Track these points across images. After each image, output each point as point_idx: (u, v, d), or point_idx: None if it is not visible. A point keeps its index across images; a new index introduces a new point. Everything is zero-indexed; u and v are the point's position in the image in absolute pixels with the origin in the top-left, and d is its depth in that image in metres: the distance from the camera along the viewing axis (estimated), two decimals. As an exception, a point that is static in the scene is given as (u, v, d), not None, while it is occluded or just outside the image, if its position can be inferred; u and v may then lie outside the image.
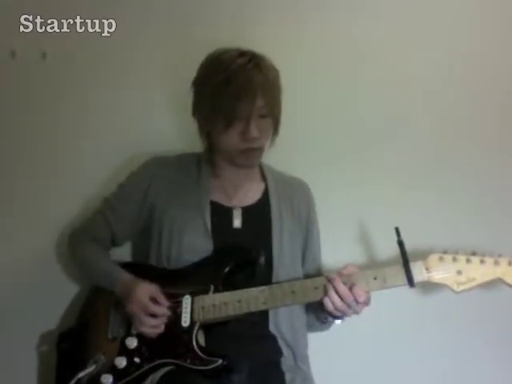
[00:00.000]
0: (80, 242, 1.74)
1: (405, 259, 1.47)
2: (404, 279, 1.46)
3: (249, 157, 1.60)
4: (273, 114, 1.58)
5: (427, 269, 1.46)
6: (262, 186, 1.73)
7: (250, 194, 1.70)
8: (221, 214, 1.65)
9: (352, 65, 1.90)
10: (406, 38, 1.88)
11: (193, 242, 1.60)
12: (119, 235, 1.74)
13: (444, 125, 1.89)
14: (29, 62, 1.89)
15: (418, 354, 1.86)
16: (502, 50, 1.88)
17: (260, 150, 1.60)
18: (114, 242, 1.76)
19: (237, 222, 1.65)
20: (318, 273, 1.70)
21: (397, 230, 1.50)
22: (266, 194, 1.71)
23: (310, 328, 1.70)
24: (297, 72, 1.85)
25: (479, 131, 1.88)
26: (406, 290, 1.48)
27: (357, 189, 1.88)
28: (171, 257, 1.61)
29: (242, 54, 1.56)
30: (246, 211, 1.67)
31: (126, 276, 1.60)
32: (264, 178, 1.74)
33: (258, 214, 1.68)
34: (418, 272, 1.46)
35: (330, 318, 1.57)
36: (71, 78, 1.91)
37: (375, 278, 1.47)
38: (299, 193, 1.75)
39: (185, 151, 1.78)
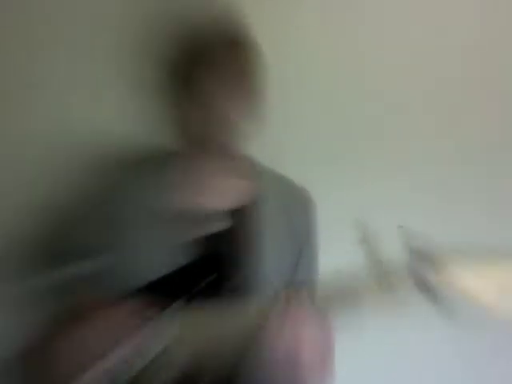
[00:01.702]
0: (40, 261, 1.54)
1: (416, 264, 1.27)
2: (415, 286, 1.25)
3: (216, 140, 1.37)
4: (245, 95, 1.37)
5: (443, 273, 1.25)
6: (249, 186, 1.48)
7: (232, 193, 1.46)
8: (194, 217, 1.42)
9: (353, 63, 1.78)
10: (406, 39, 1.79)
11: (163, 254, 1.38)
12: (79, 252, 1.50)
13: (445, 124, 1.81)
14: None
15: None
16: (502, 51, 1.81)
17: (227, 132, 1.36)
18: (75, 259, 1.51)
19: (214, 227, 1.42)
20: None
21: (402, 229, 1.31)
22: (255, 195, 1.47)
23: None
24: (294, 68, 1.72)
25: (480, 131, 1.81)
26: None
27: (357, 188, 1.77)
28: (140, 271, 1.39)
29: (216, 26, 1.38)
30: (227, 213, 1.43)
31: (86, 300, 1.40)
32: (250, 176, 1.50)
33: (242, 216, 1.44)
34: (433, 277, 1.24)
35: None
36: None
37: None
38: (297, 202, 1.53)
39: (144, 147, 1.57)
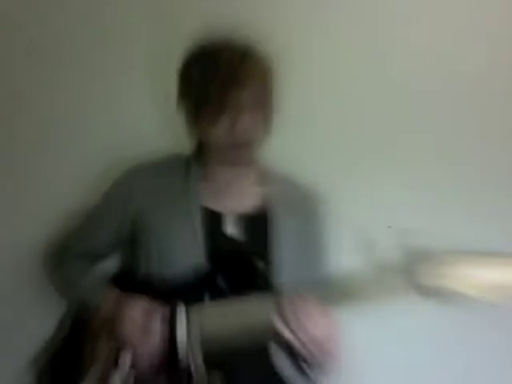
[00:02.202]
0: (63, 262, 1.66)
1: (413, 265, 1.36)
2: (413, 287, 1.35)
3: (237, 152, 1.49)
4: (264, 106, 1.49)
5: (438, 274, 1.34)
6: (261, 191, 1.60)
7: (246, 198, 1.58)
8: (212, 220, 1.54)
9: (352, 64, 1.82)
10: (406, 39, 1.80)
11: (184, 255, 1.50)
12: (101, 251, 1.66)
13: (445, 124, 1.81)
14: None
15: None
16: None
17: (249, 145, 1.49)
18: (98, 257, 1.67)
19: (229, 230, 1.54)
20: None
21: (401, 232, 1.40)
22: (266, 200, 1.59)
23: None
24: (297, 72, 1.76)
25: (480, 131, 1.80)
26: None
27: (357, 191, 1.81)
28: (163, 270, 1.52)
29: (229, 43, 1.48)
30: (241, 218, 1.55)
31: (108, 299, 1.50)
32: (264, 181, 1.62)
33: (256, 221, 1.56)
34: (429, 278, 1.34)
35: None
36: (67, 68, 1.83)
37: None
38: (304, 205, 1.63)
39: (169, 152, 1.68)
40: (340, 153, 1.82)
